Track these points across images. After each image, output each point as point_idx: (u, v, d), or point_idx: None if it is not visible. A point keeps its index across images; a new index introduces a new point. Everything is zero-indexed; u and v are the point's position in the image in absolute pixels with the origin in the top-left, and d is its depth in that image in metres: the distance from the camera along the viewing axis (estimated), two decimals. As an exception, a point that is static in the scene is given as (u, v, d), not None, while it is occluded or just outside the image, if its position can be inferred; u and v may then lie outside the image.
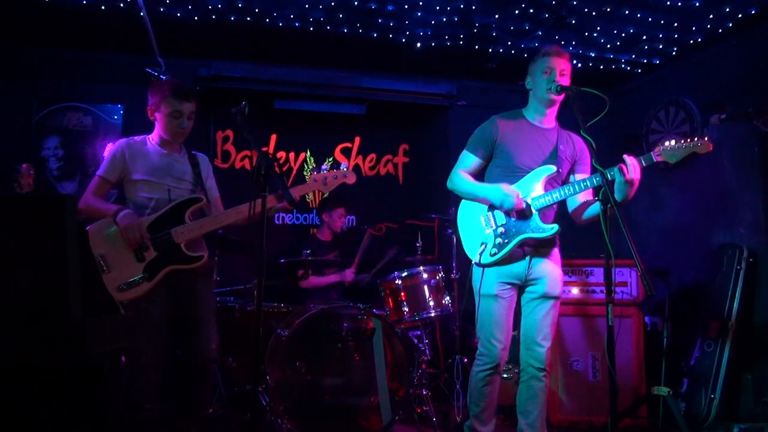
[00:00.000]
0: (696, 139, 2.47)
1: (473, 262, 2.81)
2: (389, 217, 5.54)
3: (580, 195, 2.72)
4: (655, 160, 2.48)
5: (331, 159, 5.60)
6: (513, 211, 2.69)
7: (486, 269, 2.76)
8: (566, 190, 2.65)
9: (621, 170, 2.43)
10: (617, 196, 2.47)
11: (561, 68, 2.71)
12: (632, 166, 2.42)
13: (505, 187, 2.67)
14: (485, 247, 2.75)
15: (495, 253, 2.72)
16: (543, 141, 2.78)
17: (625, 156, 2.45)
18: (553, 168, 2.70)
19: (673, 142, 2.48)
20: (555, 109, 2.81)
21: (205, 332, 2.83)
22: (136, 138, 2.95)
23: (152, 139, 2.92)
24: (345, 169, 2.91)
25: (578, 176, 2.81)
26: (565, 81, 2.71)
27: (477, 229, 2.82)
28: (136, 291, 2.67)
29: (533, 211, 2.69)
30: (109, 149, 3.07)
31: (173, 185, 2.86)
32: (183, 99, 2.81)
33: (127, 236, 2.68)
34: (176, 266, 2.73)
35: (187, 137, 2.93)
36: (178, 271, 2.75)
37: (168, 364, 2.81)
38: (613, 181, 2.44)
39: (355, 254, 4.67)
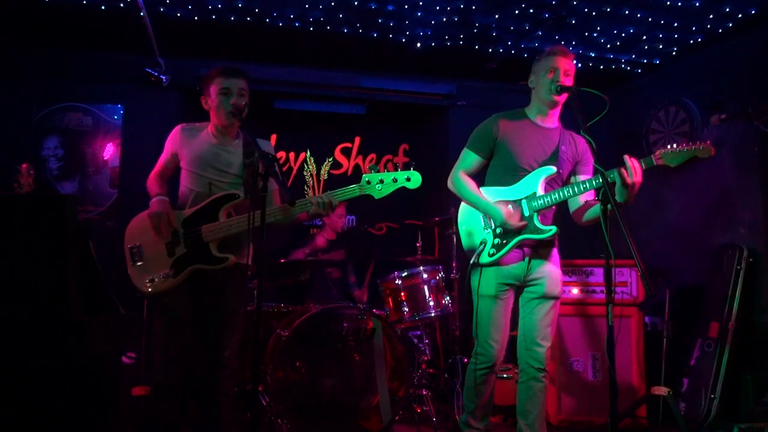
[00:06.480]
0: (698, 143, 2.42)
1: (471, 262, 2.81)
2: (389, 217, 5.54)
3: (580, 196, 2.70)
4: (655, 164, 2.44)
5: (331, 159, 5.59)
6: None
7: (485, 270, 2.76)
8: (565, 192, 2.64)
9: (621, 174, 2.36)
10: (618, 198, 2.42)
11: (565, 68, 2.68)
12: (633, 169, 2.35)
13: (506, 213, 2.66)
14: (484, 246, 2.75)
15: (493, 254, 2.72)
16: (545, 141, 2.77)
17: (625, 156, 2.38)
18: (554, 169, 2.70)
19: (675, 145, 2.44)
20: (558, 110, 2.79)
21: (219, 338, 2.69)
22: (196, 123, 2.83)
23: (209, 128, 2.80)
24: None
25: (581, 177, 2.79)
26: (569, 81, 2.69)
27: (476, 229, 2.82)
28: (160, 286, 2.62)
29: (532, 212, 2.69)
30: None
31: (215, 178, 2.71)
32: (230, 75, 2.70)
33: (152, 223, 2.63)
34: (200, 266, 2.63)
35: (244, 119, 2.62)
36: (204, 271, 2.64)
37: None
38: (614, 183, 2.42)
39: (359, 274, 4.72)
